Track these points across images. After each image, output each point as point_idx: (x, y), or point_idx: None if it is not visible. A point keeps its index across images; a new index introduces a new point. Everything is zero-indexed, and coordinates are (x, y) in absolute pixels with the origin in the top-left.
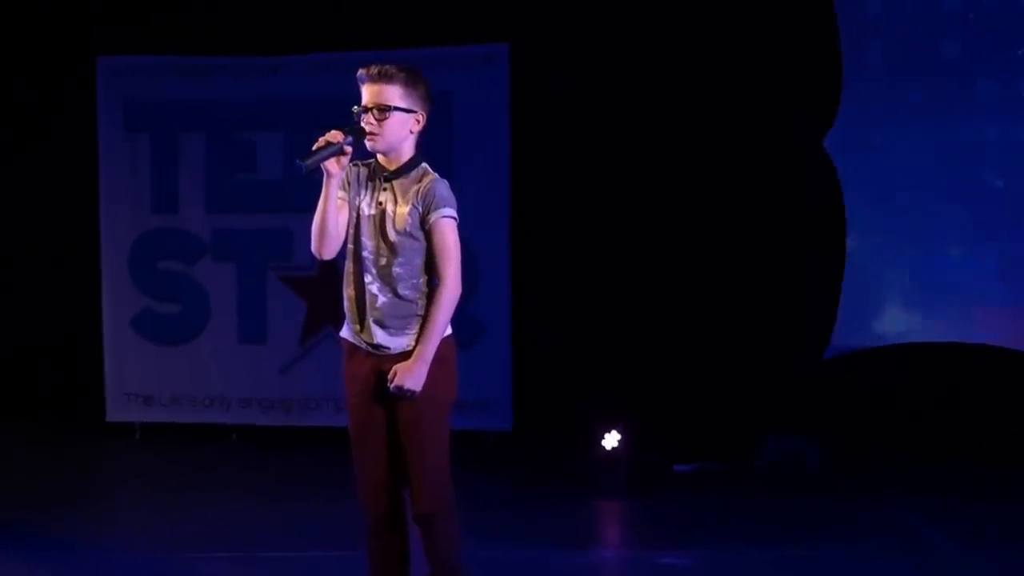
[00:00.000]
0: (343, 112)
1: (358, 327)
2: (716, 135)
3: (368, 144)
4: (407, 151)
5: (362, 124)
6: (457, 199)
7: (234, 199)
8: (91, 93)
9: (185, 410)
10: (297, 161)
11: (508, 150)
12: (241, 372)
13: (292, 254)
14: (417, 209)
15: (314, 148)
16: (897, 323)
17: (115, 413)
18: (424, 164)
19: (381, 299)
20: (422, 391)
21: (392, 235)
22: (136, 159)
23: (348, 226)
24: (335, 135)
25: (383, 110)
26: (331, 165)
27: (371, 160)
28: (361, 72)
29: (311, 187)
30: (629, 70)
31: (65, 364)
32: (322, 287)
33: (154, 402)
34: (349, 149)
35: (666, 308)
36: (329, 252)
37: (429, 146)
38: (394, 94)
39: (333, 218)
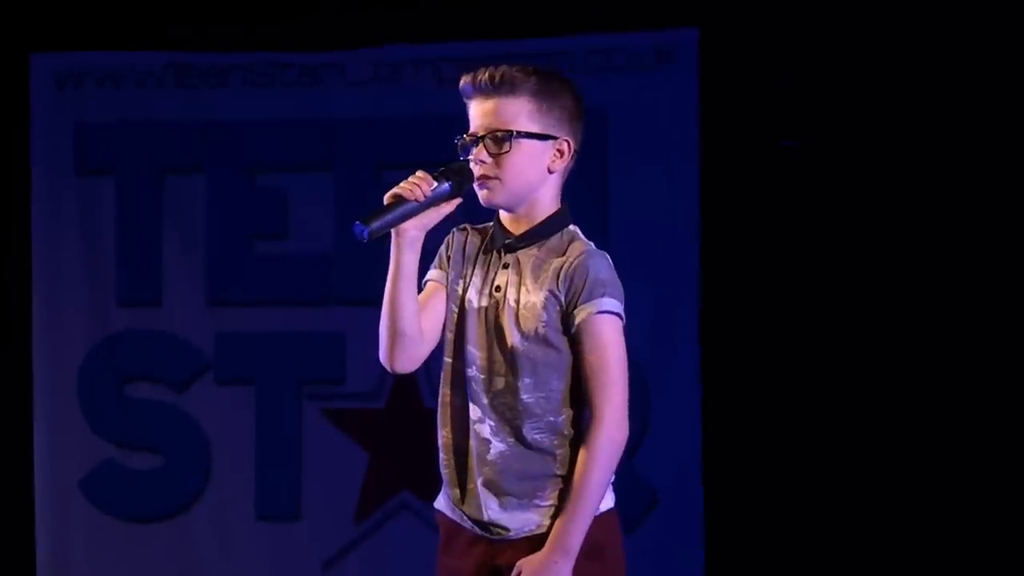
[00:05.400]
0: (439, 141)
1: (458, 493)
2: None
3: (480, 194)
4: (545, 204)
5: (470, 163)
6: (621, 278)
7: (253, 283)
8: (22, 110)
9: None
10: (357, 224)
11: (697, 204)
12: (260, 565)
13: (344, 373)
14: (558, 299)
15: (386, 203)
16: None
17: None
18: (573, 227)
19: (496, 447)
20: None
21: (516, 340)
22: (94, 219)
23: (446, 327)
24: (418, 183)
25: (501, 139)
26: (409, 223)
27: (488, 223)
28: (465, 81)
29: (381, 262)
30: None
31: None
32: (393, 427)
33: None
34: (448, 207)
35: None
36: (404, 361)
37: (575, 196)
38: (519, 111)
39: (408, 304)
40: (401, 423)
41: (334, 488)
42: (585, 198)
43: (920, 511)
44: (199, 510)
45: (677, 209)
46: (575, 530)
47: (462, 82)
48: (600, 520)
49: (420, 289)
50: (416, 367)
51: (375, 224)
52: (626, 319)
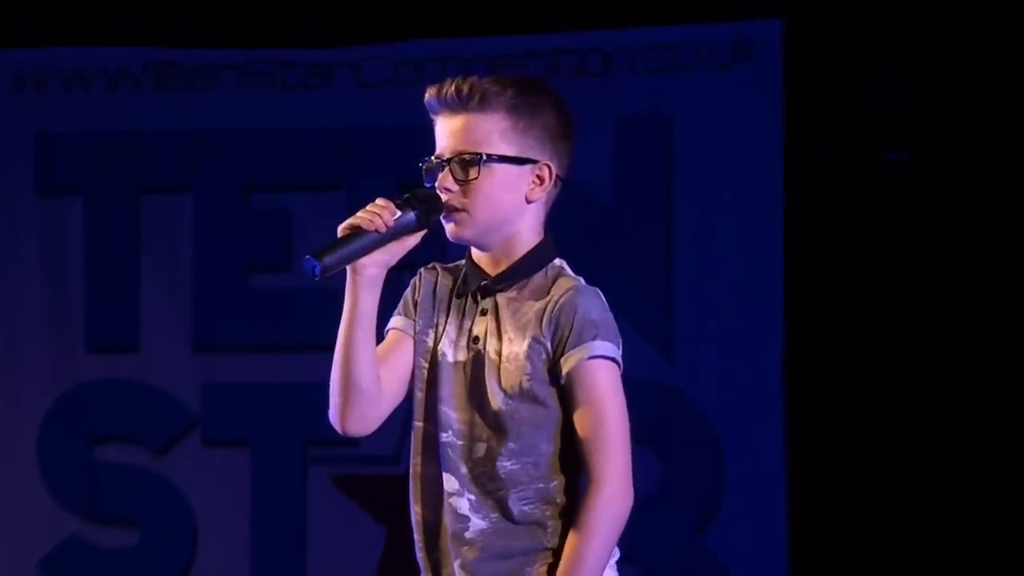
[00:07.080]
0: None
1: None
2: None
3: (447, 228)
4: (524, 238)
5: (436, 190)
6: (689, 321)
7: (248, 324)
8: None
9: None
10: (307, 259)
11: (781, 225)
12: None
13: None
14: (543, 345)
15: (339, 235)
16: None
17: None
18: (559, 261)
19: (476, 524)
20: None
21: (497, 399)
22: (59, 247)
23: (415, 385)
24: (378, 212)
25: (469, 163)
26: (368, 259)
27: (461, 261)
28: (429, 95)
29: (392, 303)
30: None
31: None
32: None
33: None
34: (413, 240)
35: None
36: (358, 422)
37: (632, 222)
38: (491, 129)
39: (365, 355)
40: None
41: (345, 569)
42: (646, 218)
43: None
44: None
45: (756, 231)
46: None
47: (427, 96)
48: None
49: (381, 338)
50: (372, 430)
51: (328, 259)
52: (690, 355)
